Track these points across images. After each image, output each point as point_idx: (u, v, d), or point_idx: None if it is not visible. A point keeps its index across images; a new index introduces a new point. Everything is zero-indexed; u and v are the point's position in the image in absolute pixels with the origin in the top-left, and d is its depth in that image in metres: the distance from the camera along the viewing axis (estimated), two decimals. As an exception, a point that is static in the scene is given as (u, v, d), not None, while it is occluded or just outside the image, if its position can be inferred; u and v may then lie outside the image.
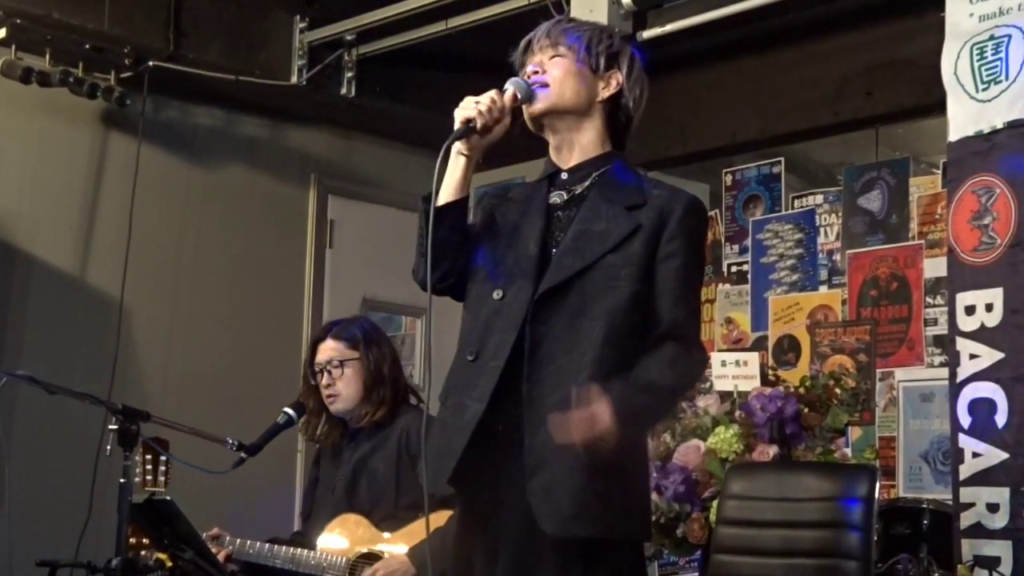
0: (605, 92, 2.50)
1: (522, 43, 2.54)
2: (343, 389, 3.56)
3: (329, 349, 3.59)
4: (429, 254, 2.40)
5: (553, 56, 2.48)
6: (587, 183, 2.47)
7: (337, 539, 3.50)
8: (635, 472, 2.41)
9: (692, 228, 2.43)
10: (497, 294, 2.41)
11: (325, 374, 3.57)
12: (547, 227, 2.46)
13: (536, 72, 2.46)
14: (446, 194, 2.43)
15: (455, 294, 2.53)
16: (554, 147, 2.53)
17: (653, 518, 3.91)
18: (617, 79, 2.51)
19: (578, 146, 2.50)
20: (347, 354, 3.57)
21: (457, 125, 2.39)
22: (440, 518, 3.29)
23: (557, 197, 2.49)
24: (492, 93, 2.41)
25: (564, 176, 2.50)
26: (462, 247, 2.47)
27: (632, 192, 2.45)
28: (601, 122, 2.51)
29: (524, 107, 2.45)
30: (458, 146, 2.42)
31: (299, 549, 3.50)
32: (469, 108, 2.39)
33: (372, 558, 3.44)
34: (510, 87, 2.44)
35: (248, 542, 3.47)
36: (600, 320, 2.35)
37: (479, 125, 2.38)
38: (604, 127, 2.52)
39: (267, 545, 3.49)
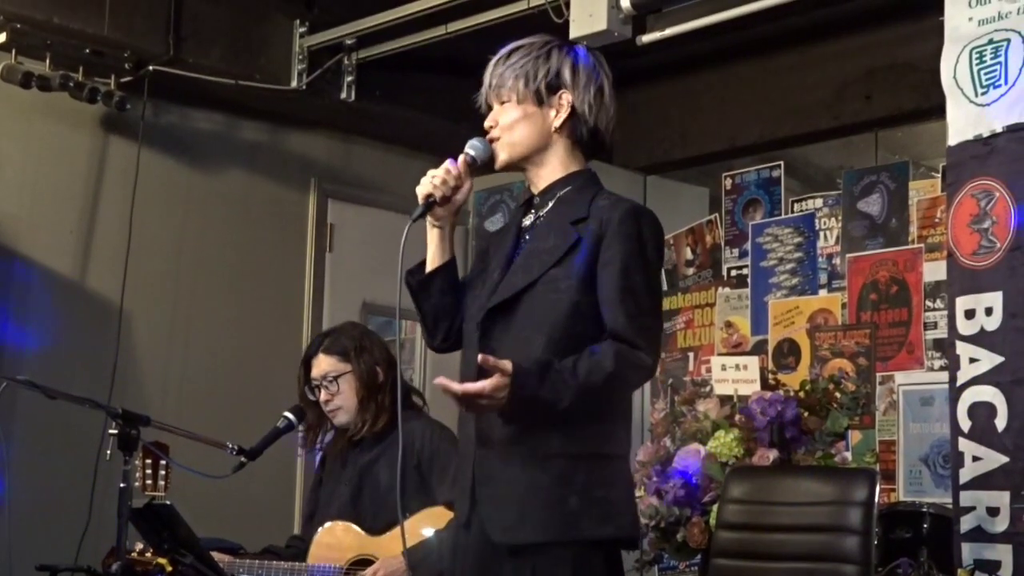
0: (558, 119, 2.54)
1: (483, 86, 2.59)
2: (343, 402, 3.55)
3: (322, 364, 3.57)
4: (420, 323, 2.57)
5: (501, 103, 2.54)
6: (551, 204, 2.55)
7: (326, 549, 3.49)
8: (600, 471, 2.42)
9: (629, 233, 2.44)
10: (477, 325, 2.51)
11: (323, 390, 3.56)
12: (514, 251, 2.55)
13: (491, 127, 2.54)
14: (431, 263, 2.57)
15: None
16: (527, 178, 2.60)
17: (653, 522, 3.92)
18: (566, 99, 2.53)
19: (545, 172, 2.57)
20: (340, 367, 3.55)
21: (420, 201, 2.49)
22: (440, 520, 3.30)
23: (527, 220, 2.58)
24: (448, 164, 2.51)
25: (536, 200, 2.58)
26: (458, 305, 2.60)
27: (579, 207, 2.51)
28: (563, 145, 2.56)
29: (495, 162, 2.55)
30: (428, 219, 2.55)
31: (290, 563, 3.49)
32: (426, 185, 2.49)
33: (364, 564, 3.43)
34: (467, 151, 2.53)
35: (236, 561, 3.46)
36: (541, 333, 2.42)
37: (439, 198, 2.49)
38: (568, 147, 2.57)
39: (256, 562, 3.48)
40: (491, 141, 2.54)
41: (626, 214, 2.45)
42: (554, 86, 2.52)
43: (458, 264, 2.65)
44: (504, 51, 2.57)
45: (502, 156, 2.55)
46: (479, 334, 2.48)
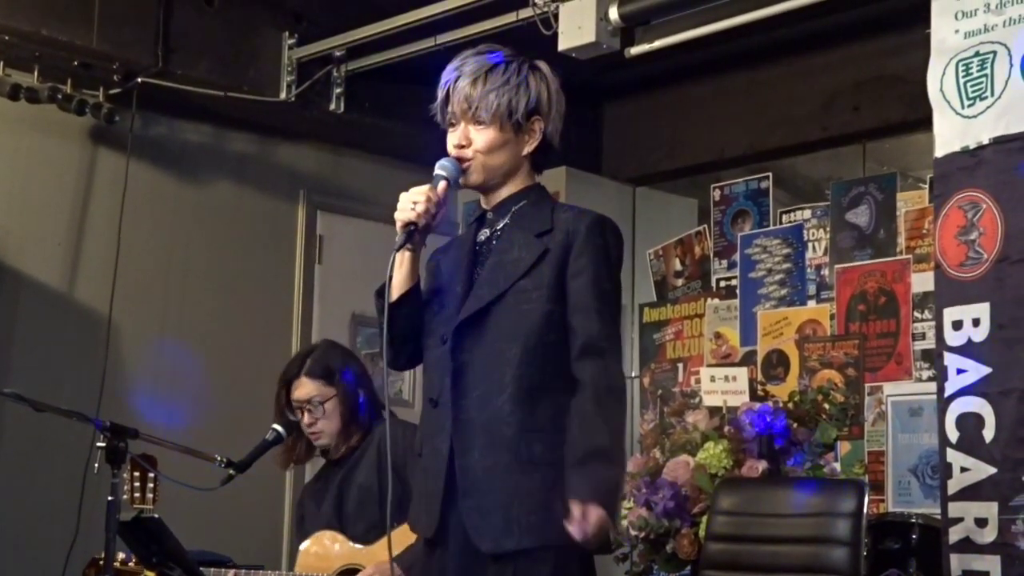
0: (529, 146, 2.57)
1: (440, 93, 2.58)
2: (325, 426, 3.54)
3: (306, 387, 3.54)
4: (386, 345, 2.51)
5: (476, 124, 2.53)
6: (507, 218, 2.57)
7: (314, 559, 3.49)
8: None
9: (597, 244, 2.50)
10: (442, 340, 2.53)
11: (306, 413, 3.54)
12: (473, 265, 2.57)
13: (462, 147, 2.53)
14: (398, 288, 2.56)
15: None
16: (484, 196, 2.62)
17: (643, 534, 3.93)
18: (539, 127, 2.56)
19: (503, 191, 2.59)
20: (325, 392, 3.53)
21: (398, 228, 2.49)
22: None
23: (482, 235, 2.60)
24: (426, 191, 2.49)
25: (490, 215, 2.61)
26: (421, 327, 2.61)
27: (542, 219, 2.54)
28: (526, 167, 2.60)
29: (461, 179, 2.55)
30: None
31: (277, 572, 3.49)
32: (407, 212, 2.48)
33: (353, 573, 3.43)
34: (441, 175, 2.52)
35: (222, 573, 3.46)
36: (516, 342, 2.45)
37: (421, 226, 2.49)
38: (529, 168, 2.60)
39: (242, 572, 3.47)
40: (460, 159, 2.53)
41: (593, 224, 2.51)
42: (531, 114, 2.54)
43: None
44: (473, 67, 2.54)
45: (475, 178, 2.55)
46: (450, 348, 2.49)
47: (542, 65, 2.60)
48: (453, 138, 2.55)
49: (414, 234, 2.50)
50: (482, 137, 2.52)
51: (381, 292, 2.55)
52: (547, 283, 2.47)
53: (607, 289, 2.50)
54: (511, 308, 2.48)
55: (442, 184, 2.52)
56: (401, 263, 2.55)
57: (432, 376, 2.56)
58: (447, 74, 2.58)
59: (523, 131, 2.54)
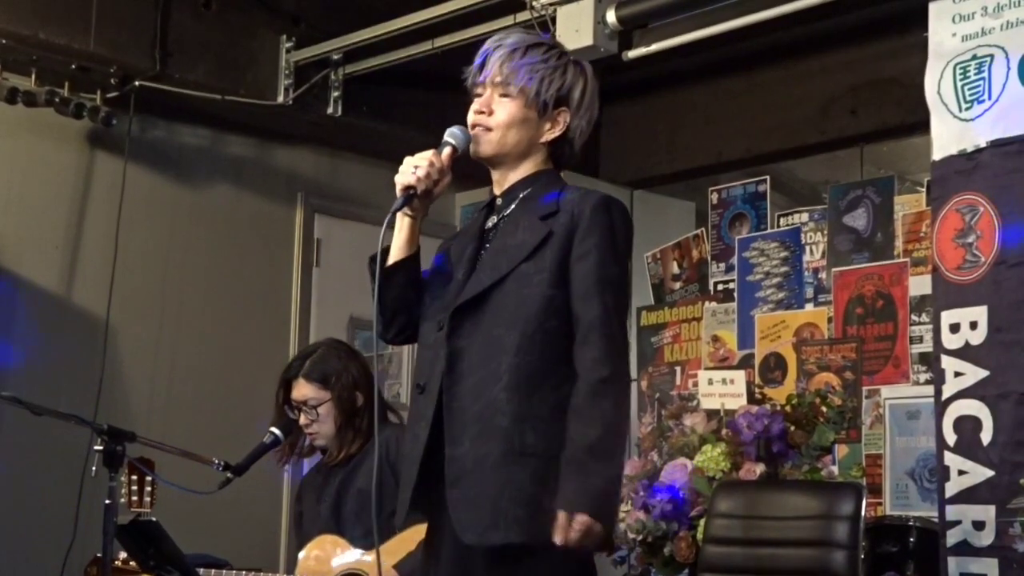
0: (550, 135, 2.52)
1: (476, 60, 2.53)
2: (320, 428, 3.54)
3: (302, 389, 3.54)
4: (376, 312, 2.48)
5: (502, 95, 2.48)
6: (514, 204, 2.52)
7: (315, 561, 3.48)
8: None
9: (603, 225, 2.43)
10: (438, 326, 2.47)
11: (302, 414, 3.55)
12: (477, 252, 2.52)
13: (482, 112, 2.49)
14: (396, 254, 2.51)
15: (416, 342, 2.62)
16: (495, 179, 2.57)
17: (640, 537, 3.93)
18: (564, 118, 2.51)
19: (513, 175, 2.54)
20: (320, 396, 3.52)
21: (398, 192, 2.44)
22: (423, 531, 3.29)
23: (490, 222, 2.55)
24: (430, 155, 2.44)
25: (499, 202, 2.55)
26: (417, 301, 2.55)
27: (548, 202, 2.48)
28: (542, 157, 2.54)
29: (471, 147, 2.49)
30: (403, 209, 2.48)
31: (275, 575, 3.49)
32: (408, 175, 2.43)
33: None
34: (449, 142, 2.47)
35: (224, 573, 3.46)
36: (514, 329, 2.39)
37: (420, 191, 2.43)
38: (544, 158, 2.55)
39: (243, 574, 3.47)
40: (475, 126, 2.49)
41: (598, 204, 2.45)
42: (560, 101, 2.50)
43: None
44: (515, 40, 2.51)
45: (486, 149, 2.49)
46: (447, 332, 2.43)
47: (587, 64, 2.57)
48: (476, 104, 2.50)
49: (412, 199, 2.44)
50: (504, 109, 2.47)
51: (376, 258, 2.50)
52: (549, 267, 2.40)
53: (613, 273, 2.42)
54: (512, 293, 2.40)
55: (447, 151, 2.46)
56: (401, 228, 2.50)
57: (424, 362, 2.50)
58: (490, 42, 2.53)
59: (547, 116, 2.49)
